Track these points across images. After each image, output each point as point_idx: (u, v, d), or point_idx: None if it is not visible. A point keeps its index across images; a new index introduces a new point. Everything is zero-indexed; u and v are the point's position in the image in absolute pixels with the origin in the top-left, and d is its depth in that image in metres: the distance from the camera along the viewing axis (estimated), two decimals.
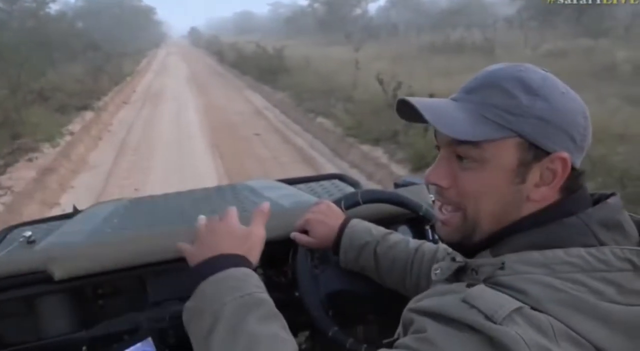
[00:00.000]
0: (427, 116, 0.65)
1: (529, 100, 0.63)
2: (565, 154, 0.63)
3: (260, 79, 15.04)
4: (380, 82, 7.87)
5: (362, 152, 6.49)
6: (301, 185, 1.78)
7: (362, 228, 1.04)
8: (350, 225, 1.04)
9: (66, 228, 1.43)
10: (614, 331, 0.56)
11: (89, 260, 1.08)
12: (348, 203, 1.14)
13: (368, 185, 4.39)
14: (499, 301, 0.56)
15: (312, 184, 1.81)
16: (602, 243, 0.61)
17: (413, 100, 0.67)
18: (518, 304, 0.56)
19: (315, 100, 9.94)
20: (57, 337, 1.08)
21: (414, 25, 29.75)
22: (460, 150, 0.66)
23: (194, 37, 70.13)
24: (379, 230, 1.04)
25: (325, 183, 1.81)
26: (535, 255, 0.60)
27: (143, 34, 50.99)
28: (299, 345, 1.31)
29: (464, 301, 0.57)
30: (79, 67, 15.84)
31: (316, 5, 39.58)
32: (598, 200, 0.67)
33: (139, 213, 1.52)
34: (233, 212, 0.84)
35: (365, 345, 0.96)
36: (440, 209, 0.72)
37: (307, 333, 1.24)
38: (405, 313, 0.64)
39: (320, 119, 8.79)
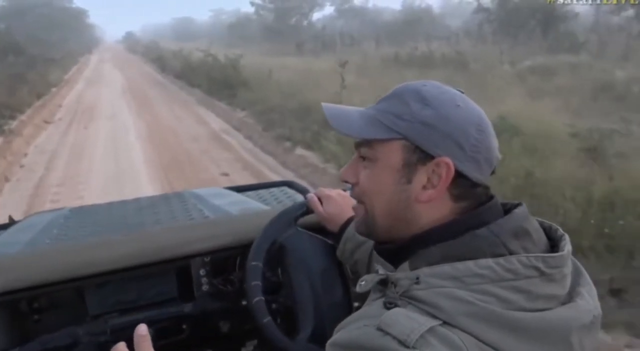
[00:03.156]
0: (327, 114, 0.74)
1: (419, 109, 0.68)
2: (447, 159, 0.66)
3: (213, 92, 13.07)
4: None
5: None
6: (250, 193, 1.75)
7: None
8: None
9: (1, 239, 1.37)
10: (524, 339, 0.58)
11: (23, 272, 1.02)
12: None
13: None
14: (411, 325, 0.57)
15: (262, 191, 1.78)
16: (511, 252, 0.63)
17: (325, 105, 0.76)
18: (430, 324, 0.57)
19: (287, 123, 8.15)
20: None
21: (368, 36, 28.71)
22: (361, 151, 0.74)
23: (130, 42, 66.61)
24: None
25: (275, 190, 1.78)
26: (447, 268, 0.62)
27: (74, 38, 47.67)
28: None
29: (379, 329, 0.59)
30: None
31: (263, 12, 37.79)
32: (509, 211, 0.69)
33: (80, 223, 1.45)
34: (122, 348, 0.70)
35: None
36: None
37: (255, 341, 1.23)
38: (327, 348, 0.64)
39: (300, 151, 7.01)
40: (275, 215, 1.07)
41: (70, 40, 43.63)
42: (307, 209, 1.10)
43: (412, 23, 31.17)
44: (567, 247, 0.66)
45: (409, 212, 0.69)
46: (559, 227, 0.70)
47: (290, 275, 1.04)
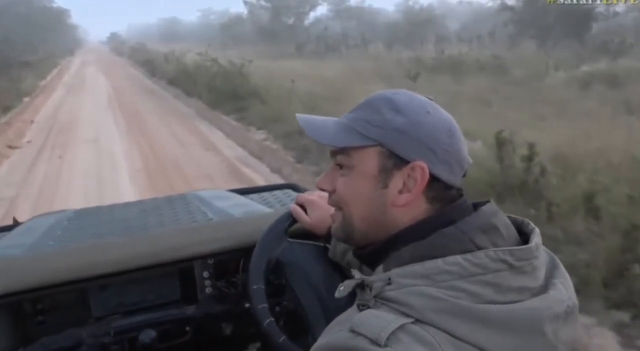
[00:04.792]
0: (302, 124, 0.75)
1: (391, 116, 0.70)
2: (421, 163, 0.68)
3: (216, 104, 10.98)
4: (501, 142, 4.26)
5: None
6: (253, 195, 1.74)
7: None
8: None
9: (5, 241, 1.37)
10: (496, 331, 0.58)
11: (28, 274, 1.03)
12: None
13: None
14: (381, 324, 0.58)
15: (265, 194, 1.77)
16: (479, 248, 0.64)
17: (299, 115, 0.77)
18: (401, 321, 0.58)
19: (327, 152, 6.04)
20: None
21: (372, 37, 26.81)
22: (337, 158, 0.75)
23: (115, 43, 64.04)
24: None
25: (278, 193, 1.76)
26: (417, 267, 0.63)
27: (55, 39, 45.14)
28: None
29: (351, 330, 0.59)
30: None
31: (257, 12, 35.63)
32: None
33: (84, 225, 1.46)
34: None
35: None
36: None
37: (258, 344, 1.22)
38: None
39: None
40: (264, 233, 1.04)
41: (51, 41, 41.14)
42: (293, 219, 1.07)
43: (419, 24, 29.21)
44: (536, 239, 0.68)
45: (385, 217, 0.71)
46: (530, 222, 0.71)
47: (293, 287, 1.03)
